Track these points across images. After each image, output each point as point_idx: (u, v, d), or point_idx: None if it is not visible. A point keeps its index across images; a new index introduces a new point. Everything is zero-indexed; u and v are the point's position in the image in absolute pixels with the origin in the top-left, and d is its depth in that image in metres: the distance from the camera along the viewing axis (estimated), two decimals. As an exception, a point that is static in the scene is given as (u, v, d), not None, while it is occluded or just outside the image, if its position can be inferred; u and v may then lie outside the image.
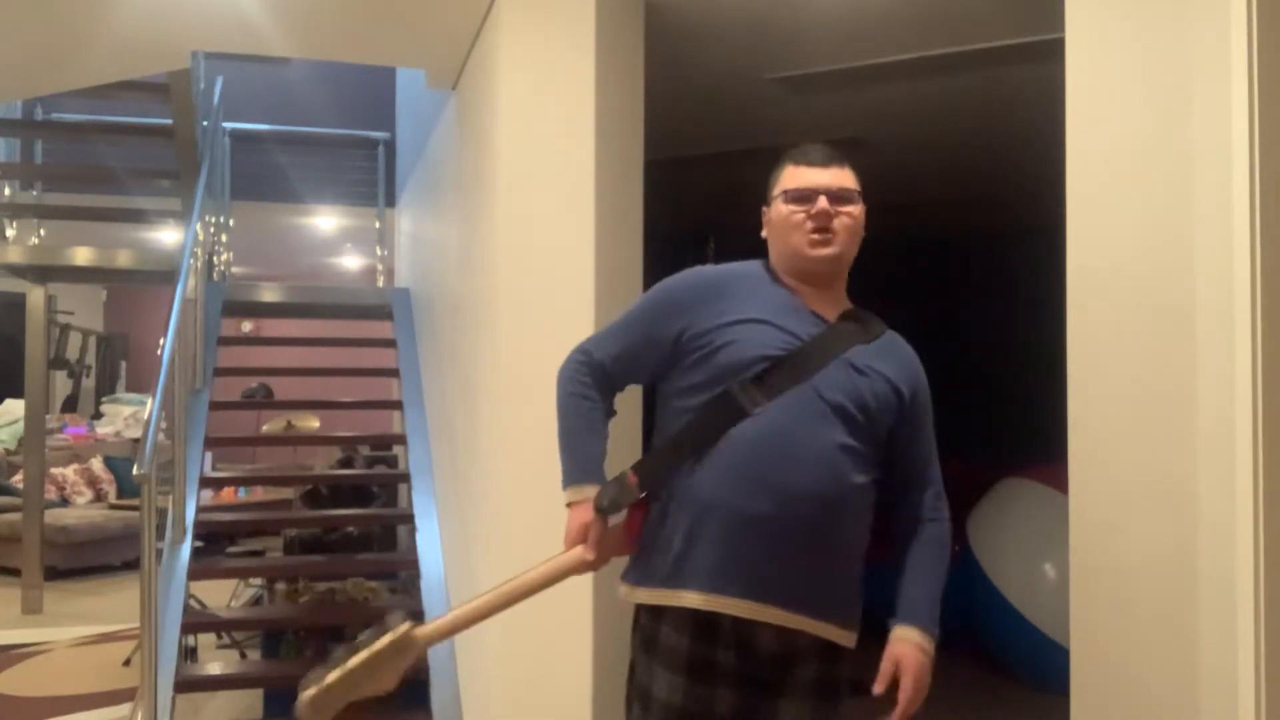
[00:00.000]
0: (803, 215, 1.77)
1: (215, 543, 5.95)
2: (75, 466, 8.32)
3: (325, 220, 7.89)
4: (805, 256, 1.78)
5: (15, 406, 8.33)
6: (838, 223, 1.77)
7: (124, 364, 11.15)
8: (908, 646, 1.75)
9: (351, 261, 10.00)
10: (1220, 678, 1.65)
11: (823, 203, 1.76)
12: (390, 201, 7.01)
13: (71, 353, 10.03)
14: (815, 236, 1.76)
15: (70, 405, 10.19)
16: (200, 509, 4.61)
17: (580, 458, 1.84)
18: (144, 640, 3.09)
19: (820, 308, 1.80)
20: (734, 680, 1.73)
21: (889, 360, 1.80)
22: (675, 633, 1.74)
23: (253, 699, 4.39)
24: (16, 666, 5.12)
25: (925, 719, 1.78)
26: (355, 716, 1.71)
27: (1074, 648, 1.88)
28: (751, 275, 1.84)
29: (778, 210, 1.81)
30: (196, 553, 4.37)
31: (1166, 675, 1.73)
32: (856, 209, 1.79)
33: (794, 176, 1.79)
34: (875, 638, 1.83)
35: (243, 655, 5.14)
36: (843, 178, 1.79)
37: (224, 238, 6.49)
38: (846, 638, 1.79)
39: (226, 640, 5.29)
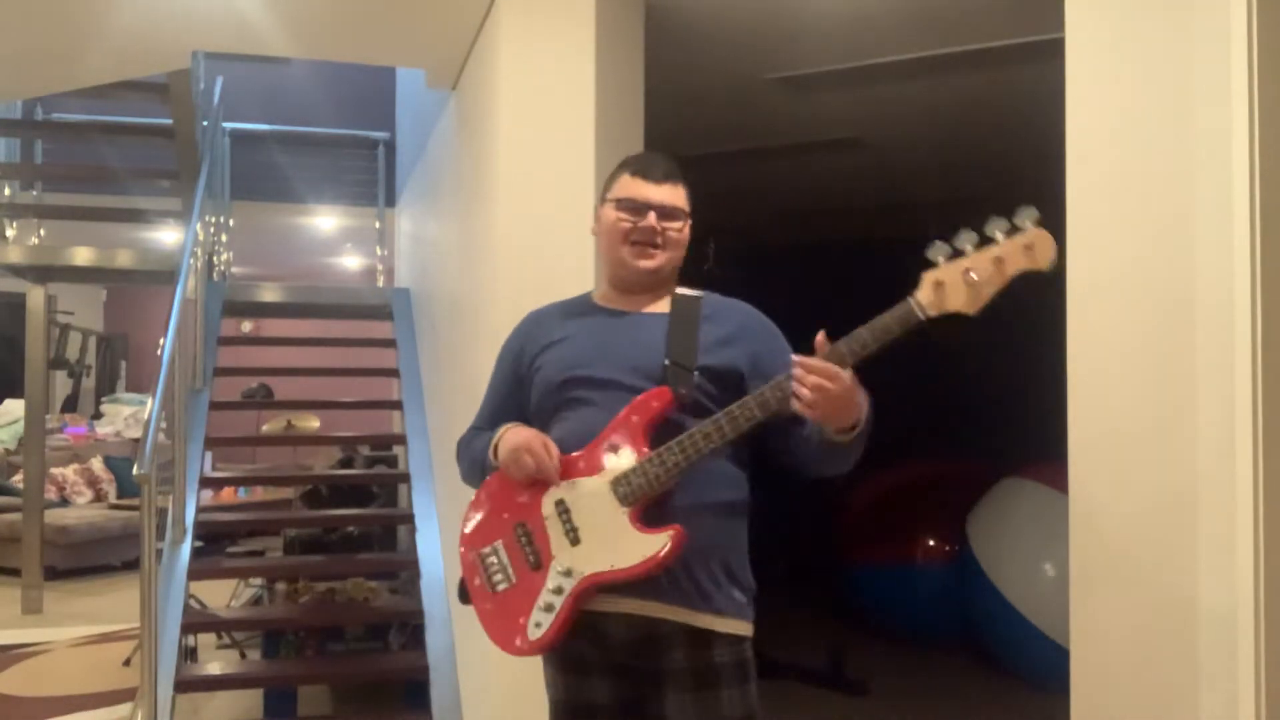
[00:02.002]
0: (630, 225, 1.84)
1: (215, 543, 5.95)
2: (75, 466, 8.32)
3: (325, 220, 7.89)
4: (627, 266, 1.86)
5: (15, 406, 8.33)
6: (664, 237, 1.84)
7: (124, 364, 11.15)
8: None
9: (351, 261, 10.00)
10: (1220, 678, 1.65)
11: (651, 218, 1.83)
12: (390, 201, 7.01)
13: (71, 353, 10.03)
14: (638, 248, 1.84)
15: (70, 405, 10.19)
16: (200, 509, 4.61)
17: (483, 440, 1.89)
18: (144, 640, 3.09)
19: (636, 307, 1.88)
20: (603, 669, 1.79)
21: (710, 324, 1.84)
22: None
23: (253, 699, 4.39)
24: (16, 666, 5.12)
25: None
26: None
27: (1074, 648, 1.88)
28: (574, 301, 1.99)
29: (607, 215, 1.88)
30: (196, 553, 4.37)
31: (1166, 675, 1.73)
32: (681, 225, 1.86)
33: (628, 186, 1.86)
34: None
35: (243, 655, 5.14)
36: (674, 196, 1.85)
37: (224, 238, 6.49)
38: (715, 622, 1.74)
39: (226, 640, 5.30)
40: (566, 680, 1.83)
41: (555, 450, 1.75)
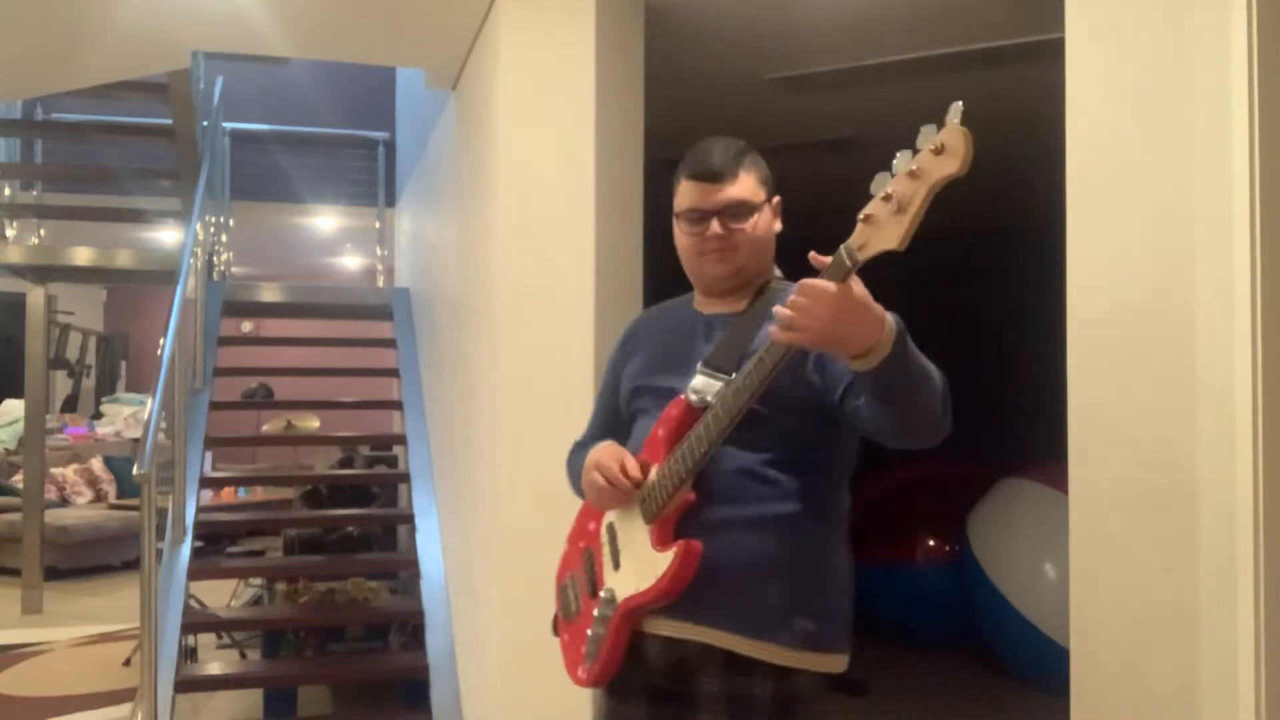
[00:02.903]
0: (696, 238, 1.69)
1: (215, 543, 5.95)
2: (75, 466, 8.32)
3: (325, 220, 7.89)
4: (704, 276, 1.74)
5: (15, 406, 8.33)
6: (733, 239, 1.67)
7: (124, 364, 11.15)
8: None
9: (351, 261, 10.00)
10: (1220, 678, 1.65)
11: (714, 227, 1.66)
12: (390, 201, 7.01)
13: (71, 353, 10.03)
14: (709, 257, 1.69)
15: (70, 405, 10.19)
16: (200, 509, 4.61)
17: (580, 458, 1.81)
18: (144, 640, 3.09)
19: (723, 309, 1.74)
20: (643, 694, 1.69)
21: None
22: None
23: (253, 699, 4.39)
24: (16, 666, 5.12)
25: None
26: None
27: (1074, 648, 1.88)
28: (672, 304, 1.87)
29: (677, 229, 1.73)
30: (196, 553, 4.37)
31: (1167, 675, 1.73)
32: (753, 221, 1.67)
33: (686, 194, 1.70)
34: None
35: (243, 655, 5.14)
36: (738, 189, 1.66)
37: (224, 238, 6.49)
38: (754, 648, 1.57)
39: (226, 640, 5.29)
40: (610, 704, 1.73)
41: (633, 463, 1.64)
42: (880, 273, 1.46)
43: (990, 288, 6.77)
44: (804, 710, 1.59)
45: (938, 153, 1.28)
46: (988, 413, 6.52)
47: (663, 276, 2.32)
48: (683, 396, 1.63)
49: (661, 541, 1.59)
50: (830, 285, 1.35)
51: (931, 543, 5.14)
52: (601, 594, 1.68)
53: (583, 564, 1.76)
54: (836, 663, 1.63)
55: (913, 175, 1.30)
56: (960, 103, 1.28)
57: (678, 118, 3.68)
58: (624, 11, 3.01)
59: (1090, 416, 1.87)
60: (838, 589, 1.66)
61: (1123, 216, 1.82)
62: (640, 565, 1.62)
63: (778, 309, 1.41)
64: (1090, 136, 1.88)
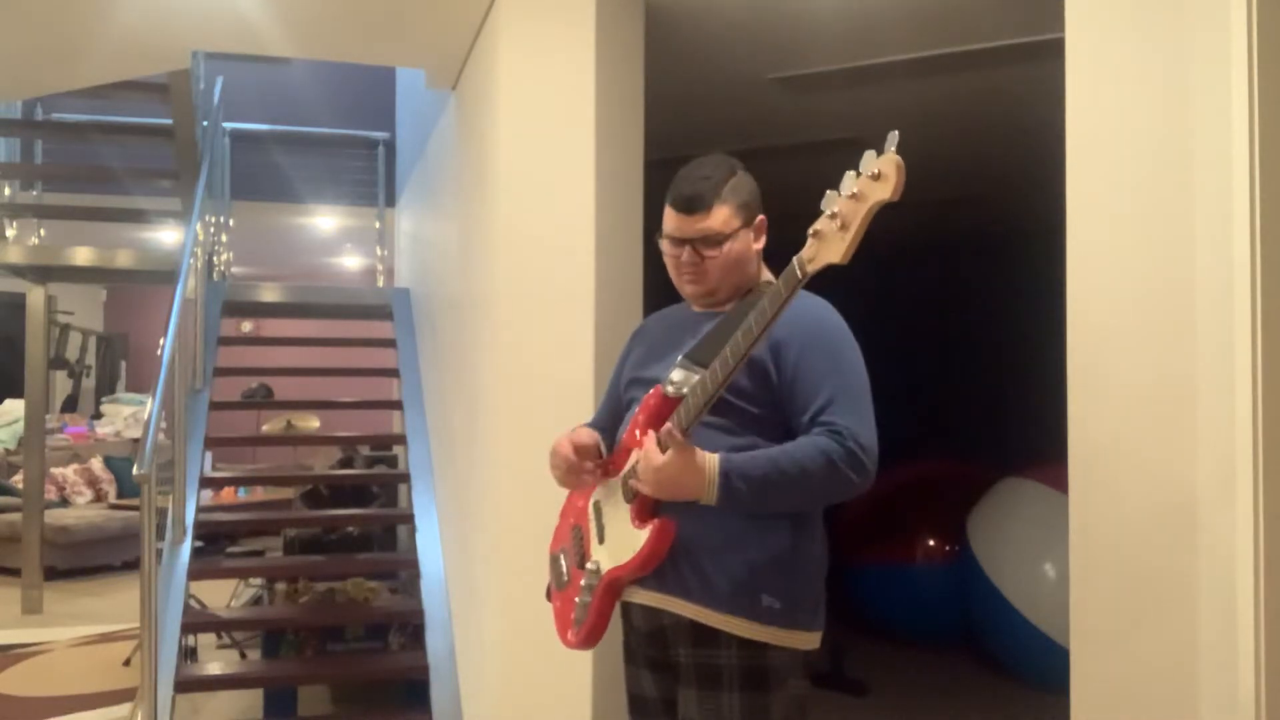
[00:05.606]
0: (674, 259, 1.84)
1: (215, 543, 5.95)
2: (75, 466, 8.32)
3: (325, 220, 7.88)
4: (681, 291, 1.89)
5: (15, 406, 8.33)
6: (704, 265, 1.80)
7: (124, 364, 11.15)
8: (678, 446, 1.62)
9: (351, 261, 9.99)
10: (1220, 678, 1.65)
11: (686, 254, 1.80)
12: (390, 201, 7.01)
13: (71, 353, 10.03)
14: (684, 277, 1.84)
15: (70, 405, 10.18)
16: (200, 509, 4.61)
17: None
18: (144, 640, 3.09)
19: (715, 308, 1.87)
20: (641, 660, 1.86)
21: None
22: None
23: (253, 699, 4.39)
24: (16, 666, 5.12)
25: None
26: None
27: (1074, 648, 1.88)
28: (676, 305, 1.99)
29: (662, 242, 1.86)
30: (196, 553, 4.37)
31: (1166, 675, 1.73)
32: (725, 249, 1.78)
33: (668, 219, 1.82)
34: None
35: (243, 655, 5.14)
36: (710, 221, 1.77)
37: (224, 238, 6.49)
38: (717, 619, 1.70)
39: (226, 640, 5.30)
40: (626, 670, 1.91)
41: (591, 442, 1.84)
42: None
43: (991, 287, 6.77)
44: (775, 684, 1.70)
45: (875, 178, 1.41)
46: (988, 413, 6.54)
47: (663, 276, 2.33)
48: (660, 386, 1.76)
49: (640, 518, 1.73)
50: (658, 457, 1.62)
51: (931, 543, 5.14)
52: (588, 565, 1.83)
53: (572, 538, 1.91)
54: (805, 640, 1.74)
55: (854, 197, 1.43)
56: (896, 132, 1.41)
57: (678, 118, 3.68)
58: (624, 12, 3.01)
59: (1090, 416, 1.87)
60: (804, 570, 1.76)
61: (1123, 216, 1.83)
62: (621, 540, 1.76)
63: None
64: (1090, 136, 1.88)
